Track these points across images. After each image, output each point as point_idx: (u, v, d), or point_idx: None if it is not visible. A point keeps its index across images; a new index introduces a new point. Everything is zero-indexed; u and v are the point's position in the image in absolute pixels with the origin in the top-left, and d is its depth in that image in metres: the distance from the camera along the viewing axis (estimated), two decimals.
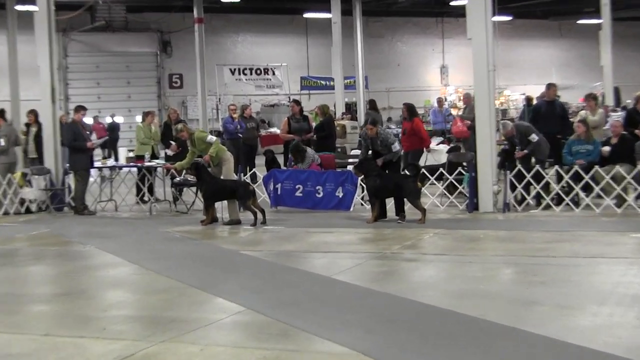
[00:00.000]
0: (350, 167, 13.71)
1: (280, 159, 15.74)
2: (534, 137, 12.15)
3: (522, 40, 37.08)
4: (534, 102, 17.88)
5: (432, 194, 12.55)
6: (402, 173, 11.68)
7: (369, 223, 10.94)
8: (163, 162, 13.95)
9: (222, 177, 11.73)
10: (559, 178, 11.85)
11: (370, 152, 11.53)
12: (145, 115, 14.84)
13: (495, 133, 12.12)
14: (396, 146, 11.32)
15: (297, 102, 14.98)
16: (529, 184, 11.84)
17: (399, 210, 11.19)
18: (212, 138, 11.75)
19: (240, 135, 16.16)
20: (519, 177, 11.81)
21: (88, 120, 29.13)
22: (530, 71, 36.53)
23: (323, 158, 13.34)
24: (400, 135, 13.84)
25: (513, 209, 11.75)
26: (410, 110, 13.31)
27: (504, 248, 9.00)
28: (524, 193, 11.90)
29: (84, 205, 13.40)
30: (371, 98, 21.14)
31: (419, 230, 10.23)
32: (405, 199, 11.03)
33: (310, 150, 13.08)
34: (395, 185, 10.94)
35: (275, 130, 28.43)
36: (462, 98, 18.90)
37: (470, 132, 13.81)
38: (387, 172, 11.22)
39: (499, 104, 28.61)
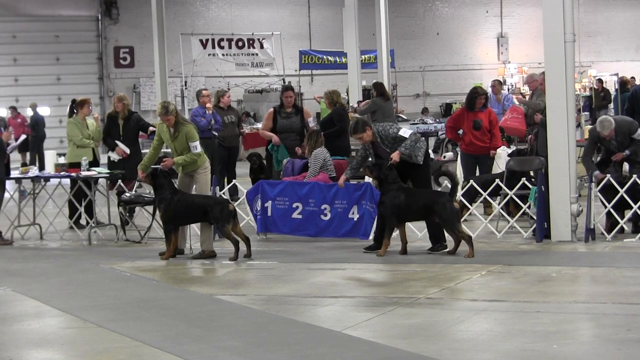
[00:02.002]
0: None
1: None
2: None
3: None
4: (631, 86, 17.98)
5: (484, 216, 12.56)
6: (436, 189, 11.77)
7: (381, 256, 11.07)
8: (106, 170, 14.00)
9: (192, 192, 11.75)
10: None
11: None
12: (78, 105, 14.72)
13: (576, 129, 12.16)
14: (406, 131, 11.36)
15: (292, 90, 14.95)
16: (623, 202, 11.86)
17: (437, 237, 11.30)
18: (198, 147, 11.72)
19: (215, 134, 16.23)
20: (609, 192, 11.84)
21: (1, 111, 29.35)
22: (625, 42, 36.60)
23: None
24: (461, 133, 14.00)
25: (600, 237, 11.78)
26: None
27: (586, 292, 9.01)
28: (615, 215, 11.93)
29: None
30: (377, 81, 21.06)
31: (466, 267, 10.25)
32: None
33: (322, 151, 12.93)
34: (423, 205, 11.06)
35: None
36: (526, 81, 18.95)
37: (540, 128, 13.87)
38: (411, 184, 11.29)
39: (580, 88, 28.65)
